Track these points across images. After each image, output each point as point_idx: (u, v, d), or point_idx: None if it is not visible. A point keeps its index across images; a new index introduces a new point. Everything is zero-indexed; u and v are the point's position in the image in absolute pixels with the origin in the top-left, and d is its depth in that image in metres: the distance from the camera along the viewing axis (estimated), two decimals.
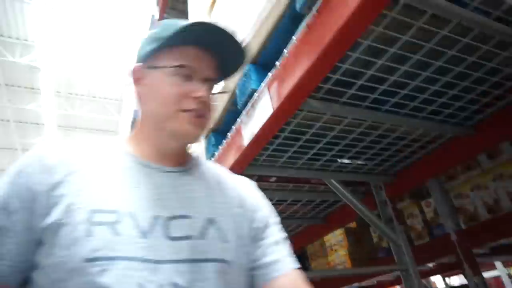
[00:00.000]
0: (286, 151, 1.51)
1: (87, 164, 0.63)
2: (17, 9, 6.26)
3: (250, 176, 0.93)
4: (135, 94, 0.73)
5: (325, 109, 1.20)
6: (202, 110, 0.68)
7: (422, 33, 0.96)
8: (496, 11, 0.93)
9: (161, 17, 3.23)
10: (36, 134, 9.53)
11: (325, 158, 1.63)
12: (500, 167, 1.86)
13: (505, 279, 4.44)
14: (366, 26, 0.81)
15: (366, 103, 1.24)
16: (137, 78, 0.73)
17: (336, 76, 1.09)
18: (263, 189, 0.87)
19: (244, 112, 1.23)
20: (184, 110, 0.67)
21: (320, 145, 1.50)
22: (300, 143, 1.46)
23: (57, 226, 0.55)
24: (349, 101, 1.21)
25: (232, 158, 1.36)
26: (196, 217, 0.65)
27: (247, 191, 0.80)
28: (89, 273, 0.52)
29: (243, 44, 0.72)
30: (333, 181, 1.81)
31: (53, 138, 9.25)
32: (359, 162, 1.75)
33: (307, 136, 1.41)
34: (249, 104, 1.19)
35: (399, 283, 3.60)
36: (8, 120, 8.66)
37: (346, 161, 1.73)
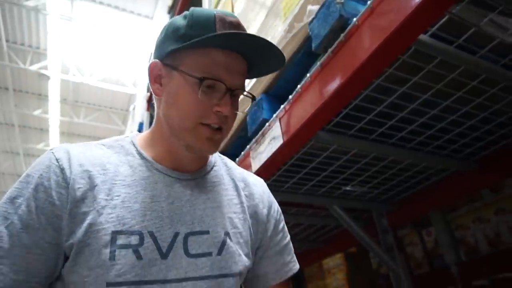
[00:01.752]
0: (291, 177, 1.53)
1: (106, 175, 0.61)
2: (32, 18, 6.40)
3: None
4: (153, 91, 0.67)
5: (333, 140, 1.22)
6: (222, 124, 0.63)
7: (431, 75, 1.00)
8: (504, 59, 0.97)
9: None
10: (38, 140, 9.59)
11: (329, 185, 1.65)
12: (502, 201, 1.87)
13: None
14: (380, 70, 0.84)
15: (373, 136, 1.27)
16: (157, 75, 0.66)
17: (346, 111, 1.12)
18: None
19: (254, 140, 1.26)
20: (203, 124, 0.62)
21: (326, 173, 1.52)
22: (306, 170, 1.48)
23: (82, 245, 0.55)
24: (356, 133, 1.24)
25: None
26: (215, 232, 0.64)
27: (261, 197, 0.77)
28: None
29: (280, 53, 0.64)
30: (335, 208, 1.82)
31: (56, 143, 9.29)
32: (363, 190, 1.77)
33: (314, 164, 1.44)
34: (260, 133, 1.22)
35: None
36: (13, 125, 8.72)
37: (349, 188, 1.75)
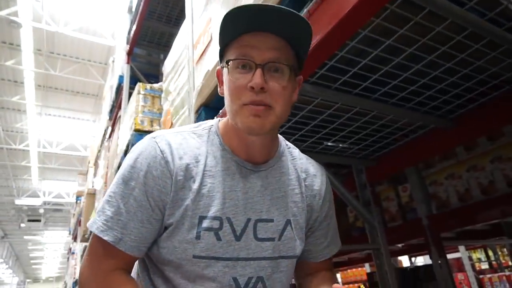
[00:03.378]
0: None
1: (198, 167, 0.72)
2: None
3: None
4: (219, 93, 0.78)
5: (317, 93, 1.22)
6: (260, 99, 0.66)
7: (418, 27, 0.99)
8: (490, 13, 0.97)
9: None
10: (13, 93, 9.19)
11: (311, 140, 1.68)
12: (475, 159, 1.96)
13: (466, 261, 4.75)
14: (368, 18, 0.82)
15: (357, 91, 1.27)
16: (220, 80, 0.77)
17: (331, 63, 1.11)
18: None
19: None
20: (245, 104, 0.67)
21: (308, 127, 1.53)
22: (289, 124, 1.49)
23: (178, 224, 0.69)
24: (341, 87, 1.24)
25: None
26: (278, 221, 0.76)
27: (319, 188, 0.85)
28: (197, 265, 0.68)
29: (298, 16, 0.67)
30: None
31: (32, 97, 8.93)
32: (344, 145, 1.81)
33: (296, 118, 1.44)
34: None
35: (369, 261, 3.79)
36: None
37: (331, 144, 1.78)
